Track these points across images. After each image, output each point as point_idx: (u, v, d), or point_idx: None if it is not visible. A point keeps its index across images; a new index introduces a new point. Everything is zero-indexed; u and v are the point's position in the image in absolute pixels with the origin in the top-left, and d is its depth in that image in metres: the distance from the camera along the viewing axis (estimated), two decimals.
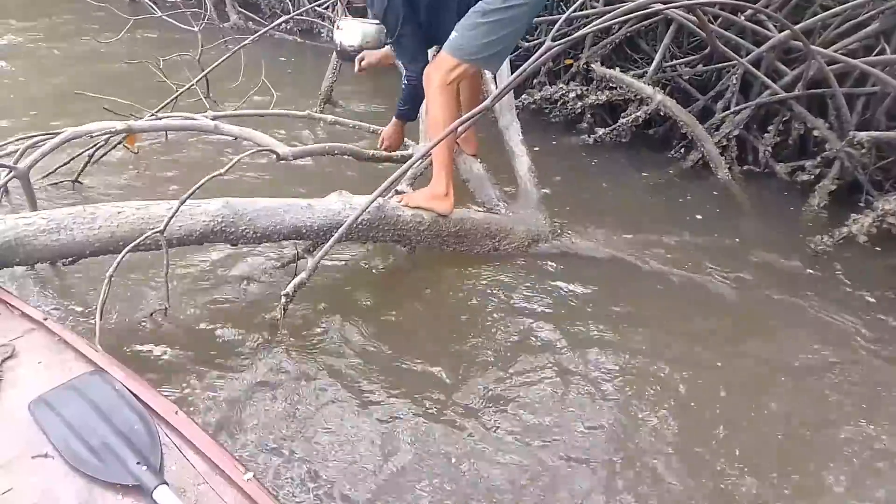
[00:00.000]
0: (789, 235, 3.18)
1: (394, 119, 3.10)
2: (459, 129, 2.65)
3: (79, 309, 2.40)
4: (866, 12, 3.37)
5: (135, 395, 1.50)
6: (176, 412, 1.48)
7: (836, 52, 3.34)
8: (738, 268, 2.88)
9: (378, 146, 3.24)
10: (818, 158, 3.47)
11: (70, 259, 2.24)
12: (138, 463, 1.32)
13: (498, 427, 2.03)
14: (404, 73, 2.79)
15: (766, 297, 2.71)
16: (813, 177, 3.47)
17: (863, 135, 3.15)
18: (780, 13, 3.54)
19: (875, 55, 3.34)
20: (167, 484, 1.28)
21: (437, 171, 2.71)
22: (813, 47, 3.24)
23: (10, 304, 1.80)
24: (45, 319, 1.73)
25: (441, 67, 2.58)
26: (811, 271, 2.91)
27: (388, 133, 3.18)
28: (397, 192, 2.74)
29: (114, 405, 1.46)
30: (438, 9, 2.61)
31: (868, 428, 2.09)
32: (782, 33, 3.42)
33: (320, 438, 1.96)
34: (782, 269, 2.92)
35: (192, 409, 1.99)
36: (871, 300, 2.73)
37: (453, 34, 2.53)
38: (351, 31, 2.67)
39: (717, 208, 3.44)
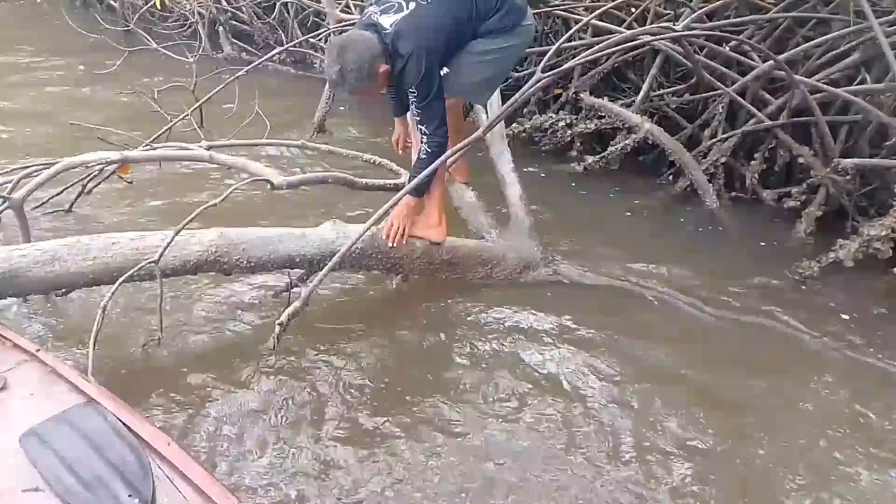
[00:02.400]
0: (777, 261, 3.21)
1: (396, 120, 3.09)
2: (450, 158, 2.68)
3: (72, 340, 2.39)
4: (847, 43, 3.46)
5: (127, 427, 1.49)
6: (168, 443, 1.48)
7: (818, 81, 3.42)
8: (727, 294, 2.90)
9: (399, 149, 3.19)
10: (804, 185, 3.52)
11: (64, 290, 2.24)
12: (130, 495, 1.31)
13: (490, 452, 2.03)
14: (426, 139, 2.53)
15: (754, 323, 2.73)
16: (799, 203, 3.52)
17: (847, 162, 3.20)
18: (764, 44, 3.64)
19: (857, 84, 3.42)
20: None
21: (430, 200, 2.74)
22: (796, 77, 3.32)
23: (3, 336, 1.80)
24: (38, 351, 1.73)
25: None
26: (799, 297, 2.94)
27: (397, 132, 3.14)
28: None
29: (105, 437, 1.46)
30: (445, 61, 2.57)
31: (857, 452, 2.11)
32: (766, 63, 3.50)
33: (313, 469, 1.95)
34: (771, 294, 2.94)
35: (185, 439, 1.98)
36: (858, 324, 2.76)
37: (445, 70, 2.55)
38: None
39: (706, 234, 3.48)
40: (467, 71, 2.57)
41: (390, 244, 2.58)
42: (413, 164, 2.68)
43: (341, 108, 4.45)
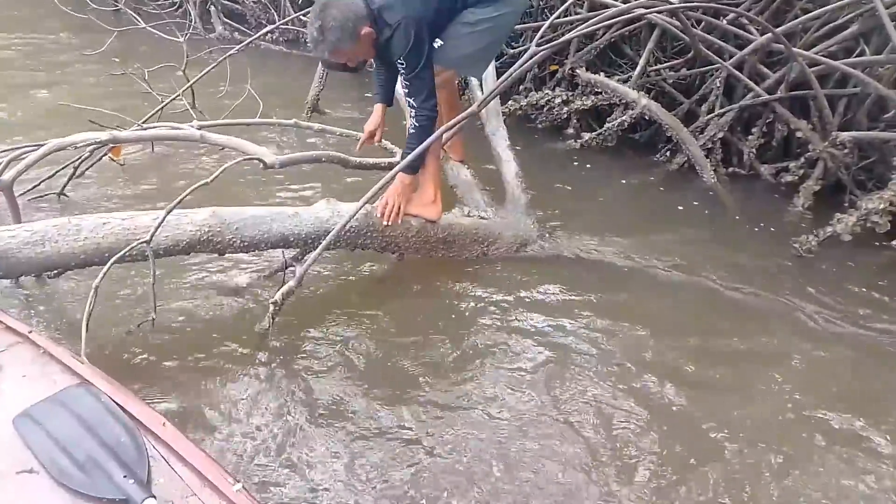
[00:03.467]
0: (775, 235, 3.20)
1: (377, 106, 2.91)
2: (445, 135, 2.65)
3: (64, 321, 2.38)
4: (846, 15, 3.42)
5: (121, 408, 1.48)
6: (164, 424, 1.46)
7: (816, 54, 3.39)
8: (725, 269, 2.90)
9: (359, 146, 3.00)
10: (802, 159, 3.51)
11: (55, 271, 2.22)
12: (125, 476, 1.30)
13: (493, 431, 2.03)
14: (413, 112, 2.49)
15: (753, 297, 2.72)
16: (797, 178, 3.51)
17: (845, 135, 3.19)
18: (762, 17, 3.59)
19: (855, 57, 3.38)
20: (154, 497, 1.27)
21: (425, 177, 2.71)
22: (794, 50, 3.28)
23: None
24: (30, 332, 1.71)
25: None
26: (797, 271, 2.93)
27: (374, 123, 2.93)
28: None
29: (100, 418, 1.44)
30: (436, 32, 2.52)
31: (856, 422, 2.12)
32: (764, 36, 3.46)
33: (310, 448, 1.94)
34: (769, 268, 2.94)
35: (180, 420, 1.97)
36: (857, 299, 2.75)
37: (438, 42, 2.52)
38: None
39: (704, 210, 3.47)
40: (460, 43, 2.53)
41: (385, 222, 2.56)
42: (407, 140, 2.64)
43: (335, 88, 4.41)
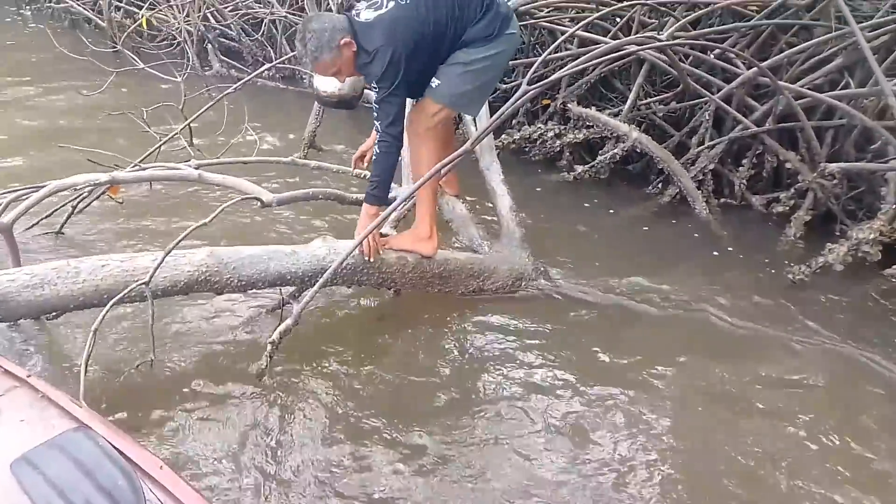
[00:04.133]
0: (768, 265, 3.23)
1: (373, 131, 2.83)
2: (442, 171, 2.69)
3: (64, 364, 2.38)
4: (830, 48, 3.50)
5: (119, 451, 1.48)
6: (161, 467, 1.46)
7: (802, 87, 3.46)
8: (720, 299, 2.92)
9: (354, 165, 3.13)
10: (792, 190, 3.56)
11: (54, 314, 2.23)
12: None
13: (483, 469, 2.03)
14: (378, 137, 2.53)
15: (747, 328, 2.74)
16: (788, 208, 3.55)
17: (833, 166, 3.23)
18: (748, 51, 3.67)
19: (840, 89, 3.46)
20: None
21: (422, 213, 2.74)
22: (780, 83, 3.35)
23: None
24: (29, 376, 1.71)
25: (425, 112, 2.64)
26: (790, 301, 2.95)
27: (367, 145, 3.03)
28: (382, 236, 2.75)
29: (97, 462, 1.44)
30: (430, 69, 2.60)
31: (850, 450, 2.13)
32: (750, 70, 3.54)
33: (307, 491, 1.94)
34: (762, 299, 2.96)
35: (177, 462, 1.97)
36: (847, 326, 2.77)
37: (436, 81, 2.58)
38: (328, 78, 2.72)
39: (696, 241, 3.50)
40: (456, 81, 2.59)
41: (366, 258, 2.57)
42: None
43: (331, 126, 4.47)
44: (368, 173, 2.96)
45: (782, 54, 3.62)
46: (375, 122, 2.53)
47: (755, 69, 3.44)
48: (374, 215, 2.54)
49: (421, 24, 2.45)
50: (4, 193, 2.82)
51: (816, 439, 2.18)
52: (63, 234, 3.27)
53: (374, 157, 2.57)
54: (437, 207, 2.93)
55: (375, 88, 2.47)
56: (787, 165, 3.60)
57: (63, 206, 3.24)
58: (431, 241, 2.74)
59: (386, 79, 2.42)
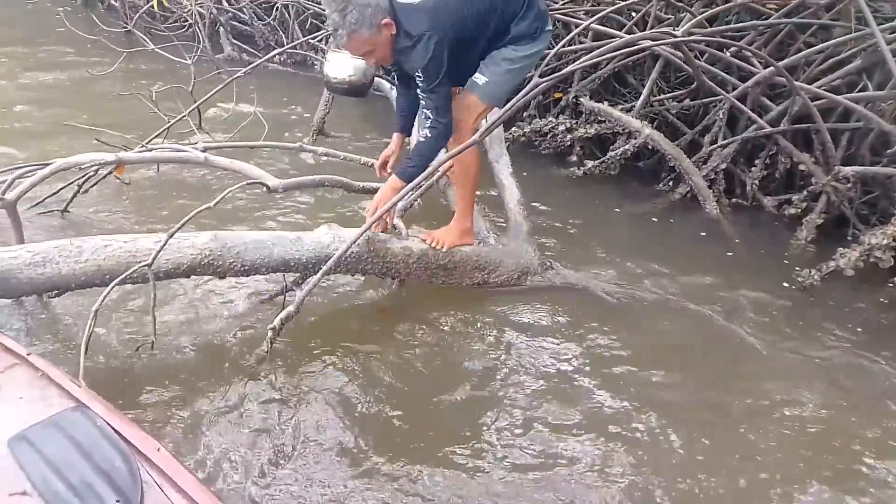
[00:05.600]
0: (777, 269, 3.19)
1: (395, 135, 2.91)
2: (447, 163, 2.66)
3: (64, 343, 2.37)
4: (848, 50, 3.45)
5: (116, 432, 1.47)
6: (158, 449, 1.45)
7: (819, 88, 3.41)
8: (727, 301, 2.89)
9: (378, 173, 3.00)
10: (805, 192, 3.52)
11: (56, 292, 2.23)
12: (117, 501, 1.29)
13: (487, 461, 2.01)
14: (429, 123, 2.47)
15: (754, 331, 2.71)
16: (800, 210, 3.51)
17: (848, 170, 3.19)
18: (765, 50, 3.62)
19: (857, 91, 3.41)
20: None
21: (465, 207, 2.77)
22: (797, 83, 3.31)
23: None
24: (28, 354, 1.71)
25: (473, 112, 2.58)
26: (799, 305, 2.92)
27: (390, 150, 2.93)
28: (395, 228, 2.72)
29: (95, 442, 1.44)
30: (467, 60, 2.53)
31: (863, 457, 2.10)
32: (767, 69, 3.49)
33: (304, 476, 1.93)
34: (770, 302, 2.92)
35: (174, 445, 1.96)
36: (857, 334, 2.74)
37: (482, 79, 2.53)
38: (339, 65, 2.69)
39: (706, 241, 3.47)
40: (502, 80, 2.54)
41: (372, 223, 2.50)
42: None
43: (340, 112, 4.44)
44: (376, 161, 2.95)
45: (800, 54, 3.57)
46: (424, 110, 2.47)
47: (771, 68, 3.39)
48: (398, 190, 2.52)
49: (464, 12, 2.38)
50: (10, 170, 2.81)
51: (826, 446, 2.16)
52: (69, 212, 3.26)
53: (421, 140, 2.51)
54: (475, 200, 2.89)
55: (419, 76, 2.39)
56: (801, 167, 3.56)
57: (69, 184, 3.23)
58: (471, 234, 2.83)
59: (431, 69, 2.35)
